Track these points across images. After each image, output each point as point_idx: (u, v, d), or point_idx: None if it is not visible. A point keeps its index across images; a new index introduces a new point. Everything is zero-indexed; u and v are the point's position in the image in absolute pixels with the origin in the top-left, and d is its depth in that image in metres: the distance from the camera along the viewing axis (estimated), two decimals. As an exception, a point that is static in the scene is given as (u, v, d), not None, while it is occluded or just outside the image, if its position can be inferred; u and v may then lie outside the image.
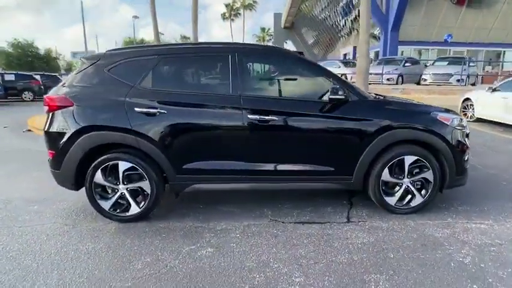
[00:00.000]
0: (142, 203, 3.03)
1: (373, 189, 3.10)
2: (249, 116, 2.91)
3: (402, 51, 22.61)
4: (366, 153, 3.01)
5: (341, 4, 33.93)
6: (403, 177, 3.11)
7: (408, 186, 3.13)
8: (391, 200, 3.14)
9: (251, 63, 3.12)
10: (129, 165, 2.93)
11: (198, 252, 2.52)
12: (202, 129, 2.97)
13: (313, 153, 3.06)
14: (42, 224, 3.04)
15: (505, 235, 2.76)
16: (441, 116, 3.14)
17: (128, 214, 3.03)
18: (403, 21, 21.20)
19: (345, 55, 31.74)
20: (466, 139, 3.25)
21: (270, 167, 3.04)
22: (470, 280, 2.16)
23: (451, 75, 13.96)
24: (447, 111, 3.30)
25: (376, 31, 23.82)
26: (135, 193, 3.04)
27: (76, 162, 2.94)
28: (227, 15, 64.00)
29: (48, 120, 2.99)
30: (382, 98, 3.41)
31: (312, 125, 3.02)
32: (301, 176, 3.09)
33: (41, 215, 3.25)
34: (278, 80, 3.39)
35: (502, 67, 21.09)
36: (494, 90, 8.46)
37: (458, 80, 14.00)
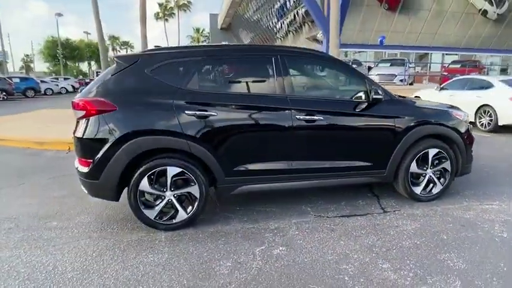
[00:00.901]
0: (190, 208, 2.96)
1: (403, 180, 3.44)
2: (296, 116, 3.03)
3: (346, 53, 24.31)
4: (399, 148, 3.33)
5: (276, 6, 35.41)
6: (427, 168, 3.50)
7: (431, 176, 3.53)
8: (417, 190, 3.51)
9: (293, 65, 3.23)
10: (178, 170, 2.85)
11: (273, 251, 2.58)
12: (252, 130, 3.01)
13: (354, 150, 3.30)
14: (77, 240, 2.79)
15: (516, 212, 3.29)
16: (455, 113, 3.60)
17: (174, 221, 2.94)
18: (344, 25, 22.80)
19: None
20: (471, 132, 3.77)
21: (315, 165, 3.20)
22: (492, 244, 2.58)
23: (395, 75, 15.51)
24: (455, 108, 3.79)
25: (319, 34, 25.21)
26: (183, 199, 2.96)
27: (120, 171, 2.77)
28: (161, 14, 62.06)
29: (84, 126, 2.77)
30: (402, 97, 3.78)
31: (352, 123, 3.25)
32: (343, 172, 3.29)
33: (68, 230, 2.98)
34: (316, 80, 3.56)
35: (430, 68, 23.97)
36: (442, 88, 9.65)
37: (401, 80, 15.64)
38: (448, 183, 3.58)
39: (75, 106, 2.81)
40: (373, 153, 3.34)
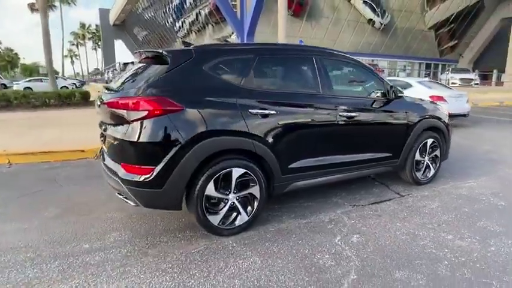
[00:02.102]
0: (250, 209, 2.94)
1: (410, 167, 4.02)
2: (340, 113, 3.30)
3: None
4: (409, 139, 3.89)
5: (174, 3, 35.32)
6: (425, 156, 4.16)
7: (428, 162, 4.20)
8: (419, 174, 4.15)
9: (329, 65, 3.46)
10: (242, 171, 2.82)
11: (352, 240, 2.78)
12: (305, 128, 3.15)
13: (380, 143, 3.73)
14: (137, 260, 2.51)
15: (493, 187, 4.17)
16: (441, 107, 4.36)
17: (236, 225, 2.88)
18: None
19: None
20: (448, 122, 4.61)
21: (352, 158, 3.51)
22: (503, 210, 3.35)
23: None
24: (438, 103, 4.58)
25: (234, 36, 25.87)
26: (244, 201, 2.93)
27: (189, 176, 2.60)
28: (37, 6, 54.55)
29: (144, 128, 2.51)
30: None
31: (378, 119, 3.68)
32: (370, 163, 3.68)
33: (112, 251, 2.63)
34: (346, 79, 3.86)
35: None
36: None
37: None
38: (438, 167, 4.32)
39: (132, 106, 2.52)
40: (393, 145, 3.83)
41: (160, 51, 2.79)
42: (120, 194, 2.85)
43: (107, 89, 3.09)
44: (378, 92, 3.70)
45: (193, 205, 2.68)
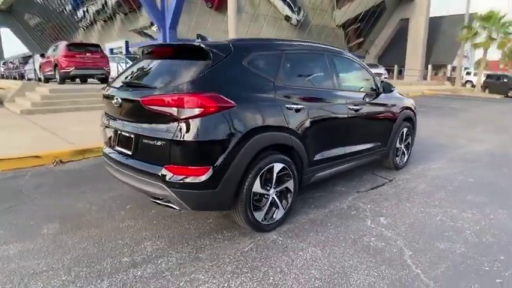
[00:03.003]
0: (284, 202, 3.06)
1: (392, 154, 4.56)
2: (349, 107, 3.61)
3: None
4: (393, 128, 4.41)
5: None
6: (401, 143, 4.75)
7: (403, 149, 4.80)
8: (398, 160, 4.72)
9: (336, 62, 3.72)
10: (281, 166, 2.91)
11: (382, 222, 3.10)
12: (327, 121, 3.37)
13: (376, 133, 4.18)
14: (218, 267, 2.45)
15: (456, 166, 4.95)
16: (408, 99, 5.00)
17: (275, 219, 2.98)
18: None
19: (111, 49, 30.88)
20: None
21: (359, 148, 3.87)
22: (476, 184, 4.09)
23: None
24: (403, 95, 5.22)
25: (154, 28, 24.81)
26: (281, 195, 3.03)
27: (241, 174, 2.61)
28: None
29: (199, 127, 2.42)
30: None
31: (376, 110, 4.10)
32: (370, 152, 4.09)
33: (167, 261, 2.51)
34: (347, 75, 4.13)
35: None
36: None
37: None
38: (410, 153, 4.97)
39: (184, 103, 2.39)
40: (384, 134, 4.30)
41: (200, 44, 2.70)
42: (156, 199, 2.70)
43: (127, 84, 2.90)
44: (372, 86, 4.12)
45: (241, 203, 2.68)
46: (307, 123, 3.11)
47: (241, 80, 2.74)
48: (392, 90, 4.39)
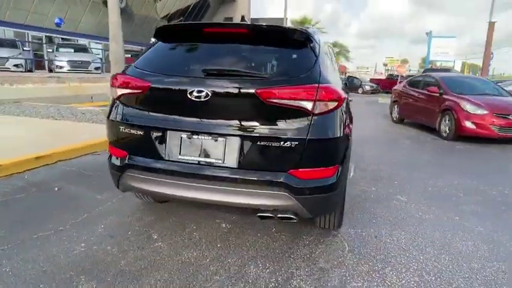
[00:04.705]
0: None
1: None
2: None
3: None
4: None
5: None
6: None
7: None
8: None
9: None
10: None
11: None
12: None
13: None
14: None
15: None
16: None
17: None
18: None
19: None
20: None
21: None
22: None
23: (89, 62, 14.99)
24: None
25: None
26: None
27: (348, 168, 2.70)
28: None
29: (332, 123, 2.24)
30: None
31: None
32: None
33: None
34: None
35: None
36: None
37: (96, 68, 15.41)
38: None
39: (321, 96, 2.12)
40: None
41: (307, 30, 2.51)
42: (266, 213, 2.35)
43: (208, 73, 2.32)
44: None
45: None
46: None
47: (333, 71, 2.72)
48: None
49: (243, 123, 2.18)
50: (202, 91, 2.14)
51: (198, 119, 2.24)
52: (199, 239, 2.63)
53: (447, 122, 7.44)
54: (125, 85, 2.36)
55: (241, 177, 2.18)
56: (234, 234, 2.72)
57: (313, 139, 2.12)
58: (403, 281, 2.22)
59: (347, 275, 2.26)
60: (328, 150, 2.24)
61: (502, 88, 8.83)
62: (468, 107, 7.11)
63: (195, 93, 2.15)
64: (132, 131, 2.33)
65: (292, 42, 2.45)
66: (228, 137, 2.18)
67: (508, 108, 7.16)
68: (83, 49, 17.12)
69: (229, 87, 2.18)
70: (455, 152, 6.49)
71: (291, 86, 2.15)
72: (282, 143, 2.12)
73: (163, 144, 2.27)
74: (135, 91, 2.33)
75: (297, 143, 2.11)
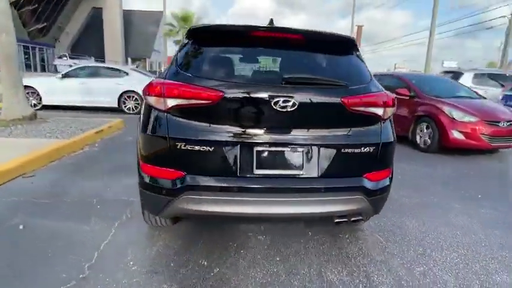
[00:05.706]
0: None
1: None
2: None
3: None
4: None
5: None
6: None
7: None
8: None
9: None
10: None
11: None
12: None
13: None
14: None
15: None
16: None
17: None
18: None
19: None
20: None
21: None
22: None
23: None
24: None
25: None
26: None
27: None
28: None
29: (392, 126, 2.44)
30: None
31: None
32: None
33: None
34: None
35: None
36: (65, 76, 9.95)
37: None
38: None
39: (389, 102, 2.28)
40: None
41: (353, 37, 2.56)
42: (342, 218, 2.38)
43: (299, 82, 2.17)
44: None
45: None
46: None
47: None
48: None
49: (324, 131, 2.19)
50: (289, 101, 2.05)
51: (279, 130, 2.15)
52: (254, 256, 2.48)
53: (425, 131, 6.27)
54: (182, 95, 2.02)
55: (322, 186, 2.19)
56: (280, 245, 2.65)
57: (384, 143, 2.29)
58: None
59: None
60: (390, 152, 2.43)
61: (471, 90, 7.64)
62: (455, 114, 5.94)
63: (280, 103, 2.04)
64: (194, 147, 2.04)
65: (345, 49, 2.52)
66: (308, 147, 2.16)
67: (495, 114, 6.14)
68: None
69: (315, 95, 2.16)
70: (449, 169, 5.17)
71: (371, 94, 2.26)
72: (361, 148, 2.22)
73: (236, 160, 2.07)
74: (201, 102, 2.03)
75: (373, 147, 2.24)
